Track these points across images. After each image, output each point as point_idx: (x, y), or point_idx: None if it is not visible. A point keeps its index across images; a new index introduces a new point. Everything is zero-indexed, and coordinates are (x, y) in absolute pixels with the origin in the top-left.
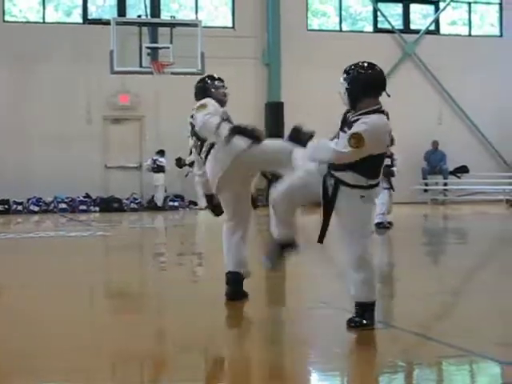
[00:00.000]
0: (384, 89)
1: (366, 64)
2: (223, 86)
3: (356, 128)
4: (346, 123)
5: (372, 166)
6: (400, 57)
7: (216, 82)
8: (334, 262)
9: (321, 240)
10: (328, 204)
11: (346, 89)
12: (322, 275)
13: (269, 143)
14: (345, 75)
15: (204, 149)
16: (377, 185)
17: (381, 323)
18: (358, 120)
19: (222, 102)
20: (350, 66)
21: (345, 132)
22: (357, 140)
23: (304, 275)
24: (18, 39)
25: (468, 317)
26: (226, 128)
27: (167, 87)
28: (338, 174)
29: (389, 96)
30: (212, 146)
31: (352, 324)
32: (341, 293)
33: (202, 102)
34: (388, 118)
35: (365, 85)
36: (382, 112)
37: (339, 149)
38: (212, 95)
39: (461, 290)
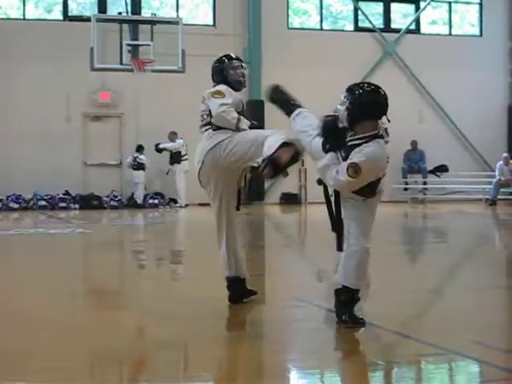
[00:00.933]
0: (385, 114)
1: (372, 87)
2: (242, 66)
3: (355, 158)
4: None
5: (369, 187)
6: (381, 56)
7: (234, 62)
8: (314, 261)
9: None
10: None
11: (347, 108)
12: (300, 273)
13: (242, 137)
14: (348, 94)
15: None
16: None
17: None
18: (355, 146)
19: (239, 84)
20: (355, 85)
21: (341, 154)
22: (354, 170)
23: (282, 273)
24: None
25: (447, 315)
26: (244, 123)
27: (148, 85)
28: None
29: (389, 121)
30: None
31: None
32: (319, 290)
33: (219, 88)
34: (388, 134)
35: (368, 108)
36: (381, 137)
37: (339, 177)
38: (229, 76)
39: (440, 289)
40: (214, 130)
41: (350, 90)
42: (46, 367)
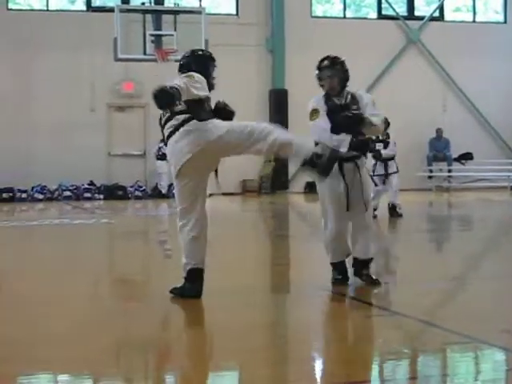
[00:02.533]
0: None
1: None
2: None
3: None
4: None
5: None
6: (404, 44)
7: (214, 64)
8: None
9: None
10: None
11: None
12: (325, 262)
13: (236, 125)
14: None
15: (170, 124)
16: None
17: (385, 310)
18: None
19: (211, 87)
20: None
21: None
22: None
23: (307, 262)
24: (21, 27)
25: (472, 303)
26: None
27: (171, 75)
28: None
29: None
30: (182, 124)
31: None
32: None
33: (192, 73)
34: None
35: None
36: None
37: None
38: (209, 75)
39: (465, 277)
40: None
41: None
42: (68, 356)
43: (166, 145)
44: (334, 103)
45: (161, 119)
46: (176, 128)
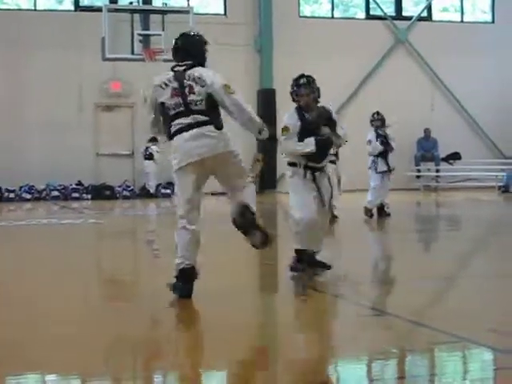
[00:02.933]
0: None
1: None
2: None
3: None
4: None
5: None
6: (392, 43)
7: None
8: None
9: None
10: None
11: None
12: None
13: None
14: None
15: (183, 121)
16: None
17: (374, 310)
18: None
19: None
20: None
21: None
22: None
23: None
24: (9, 26)
25: (461, 303)
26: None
27: (159, 74)
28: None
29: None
30: (198, 125)
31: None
32: (329, 279)
33: (227, 82)
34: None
35: None
36: None
37: None
38: (205, 59)
39: (454, 276)
40: (217, 128)
41: None
42: (58, 356)
43: (169, 138)
44: (308, 120)
45: (166, 109)
46: (190, 127)
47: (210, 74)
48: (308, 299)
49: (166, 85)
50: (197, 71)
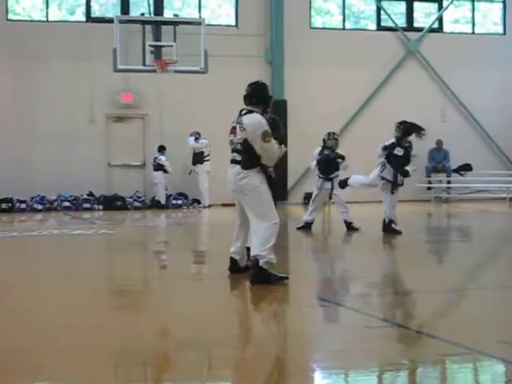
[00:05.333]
0: None
1: None
2: None
3: None
4: None
5: None
6: (403, 55)
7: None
8: (337, 261)
9: None
10: None
11: None
12: (323, 274)
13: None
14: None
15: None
16: None
17: (385, 321)
18: None
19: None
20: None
21: None
22: None
23: (306, 274)
24: (21, 38)
25: (472, 315)
26: None
27: (170, 85)
28: None
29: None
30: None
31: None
32: (343, 291)
33: (267, 129)
34: None
35: None
36: None
37: None
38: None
39: (465, 288)
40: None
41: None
42: (67, 366)
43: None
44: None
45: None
46: (231, 161)
47: (254, 122)
48: (317, 310)
49: (232, 122)
50: (247, 118)
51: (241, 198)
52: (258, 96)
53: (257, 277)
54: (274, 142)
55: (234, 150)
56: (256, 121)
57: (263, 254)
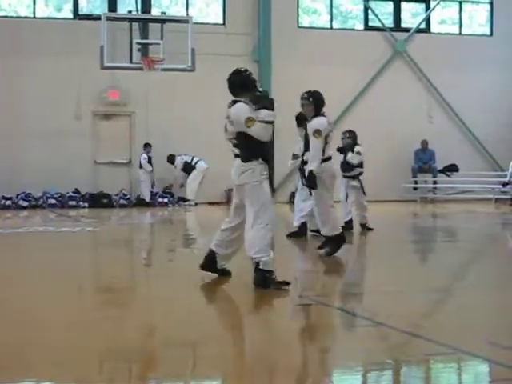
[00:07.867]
0: None
1: None
2: None
3: None
4: None
5: None
6: (390, 55)
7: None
8: (323, 260)
9: None
10: None
11: None
12: (309, 272)
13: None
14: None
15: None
16: None
17: (369, 320)
18: None
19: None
20: None
21: None
22: None
23: (291, 272)
24: (7, 34)
25: (457, 315)
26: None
27: (157, 83)
28: None
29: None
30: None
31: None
32: (327, 289)
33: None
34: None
35: None
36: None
37: None
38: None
39: (450, 288)
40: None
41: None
42: (54, 362)
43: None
44: None
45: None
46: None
47: (237, 113)
48: (304, 310)
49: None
50: (232, 110)
51: (241, 193)
52: (239, 85)
53: (260, 280)
54: (257, 124)
55: (233, 145)
56: (238, 111)
57: (258, 256)
